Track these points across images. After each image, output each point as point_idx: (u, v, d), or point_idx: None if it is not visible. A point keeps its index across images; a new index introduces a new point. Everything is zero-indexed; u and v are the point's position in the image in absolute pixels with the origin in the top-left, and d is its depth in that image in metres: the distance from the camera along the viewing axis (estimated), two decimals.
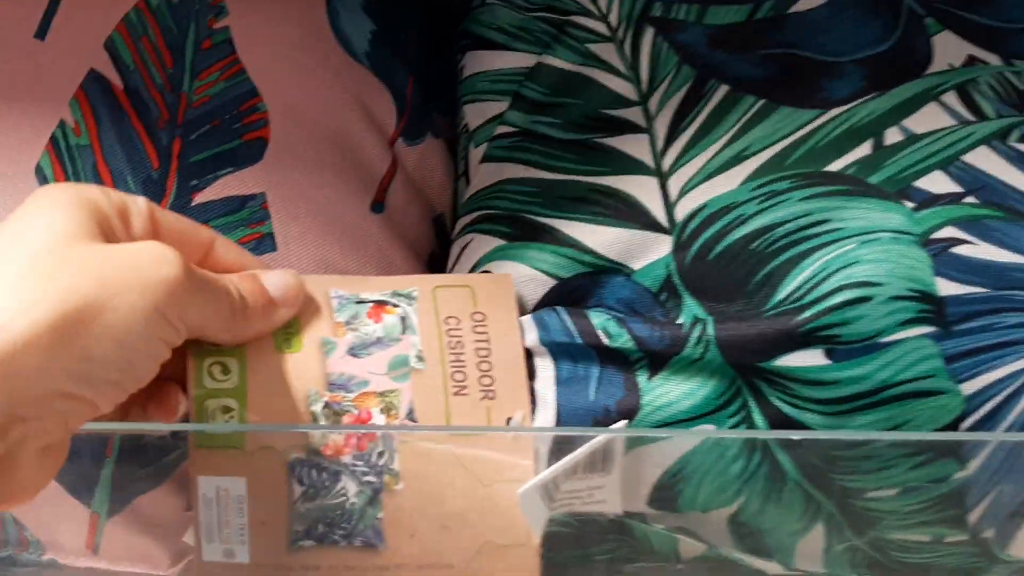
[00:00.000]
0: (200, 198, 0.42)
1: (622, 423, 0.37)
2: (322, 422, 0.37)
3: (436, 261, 0.51)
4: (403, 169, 0.50)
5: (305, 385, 0.37)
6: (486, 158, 0.46)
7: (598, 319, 0.38)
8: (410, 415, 0.38)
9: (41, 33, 0.43)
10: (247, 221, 0.42)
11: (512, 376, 0.38)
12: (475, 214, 0.45)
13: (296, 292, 0.37)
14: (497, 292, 0.40)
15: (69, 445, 0.32)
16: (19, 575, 0.46)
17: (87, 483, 0.42)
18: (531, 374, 0.39)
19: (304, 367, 0.38)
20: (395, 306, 0.39)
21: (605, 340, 0.38)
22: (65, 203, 0.31)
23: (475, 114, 0.48)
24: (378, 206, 0.47)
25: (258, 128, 0.44)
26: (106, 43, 0.43)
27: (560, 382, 0.38)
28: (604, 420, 0.37)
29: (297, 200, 0.43)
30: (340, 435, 0.37)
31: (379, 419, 0.38)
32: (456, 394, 0.38)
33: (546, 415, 0.38)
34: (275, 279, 0.37)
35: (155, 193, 0.42)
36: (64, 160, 0.42)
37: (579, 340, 0.38)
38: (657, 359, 0.37)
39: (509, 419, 0.38)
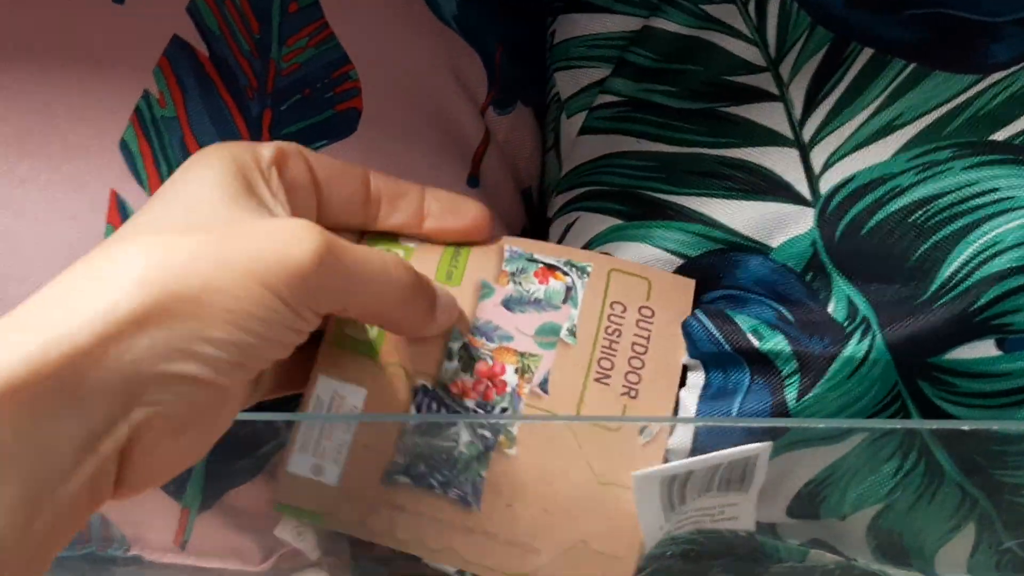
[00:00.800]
0: None
1: (767, 444, 0.34)
2: (456, 362, 0.36)
3: (528, 237, 0.48)
4: (495, 140, 0.46)
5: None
6: (585, 130, 0.43)
7: (747, 323, 0.35)
8: (543, 385, 0.36)
9: None
10: None
11: (662, 381, 0.36)
12: (580, 190, 0.42)
13: (454, 310, 0.35)
14: (674, 295, 0.37)
15: (216, 431, 0.30)
16: (102, 572, 0.44)
17: (179, 476, 0.39)
18: (682, 382, 0.36)
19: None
20: (565, 274, 0.37)
21: (756, 343, 0.35)
22: (214, 162, 0.31)
23: (568, 82, 0.44)
24: (473, 180, 0.44)
25: (351, 98, 0.41)
26: (189, 7, 0.40)
27: (706, 396, 0.35)
28: (746, 440, 0.34)
29: (394, 174, 0.40)
30: (469, 376, 0.36)
31: (512, 378, 0.36)
32: (597, 380, 0.35)
33: (685, 429, 0.35)
34: (442, 291, 0.34)
35: None
36: (150, 133, 0.38)
37: (726, 347, 0.35)
38: (815, 368, 0.34)
39: (645, 427, 0.35)
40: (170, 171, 0.37)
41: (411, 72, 0.43)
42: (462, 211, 0.37)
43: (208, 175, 0.30)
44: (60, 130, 0.38)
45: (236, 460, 0.40)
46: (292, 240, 0.28)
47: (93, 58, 0.39)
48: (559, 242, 0.43)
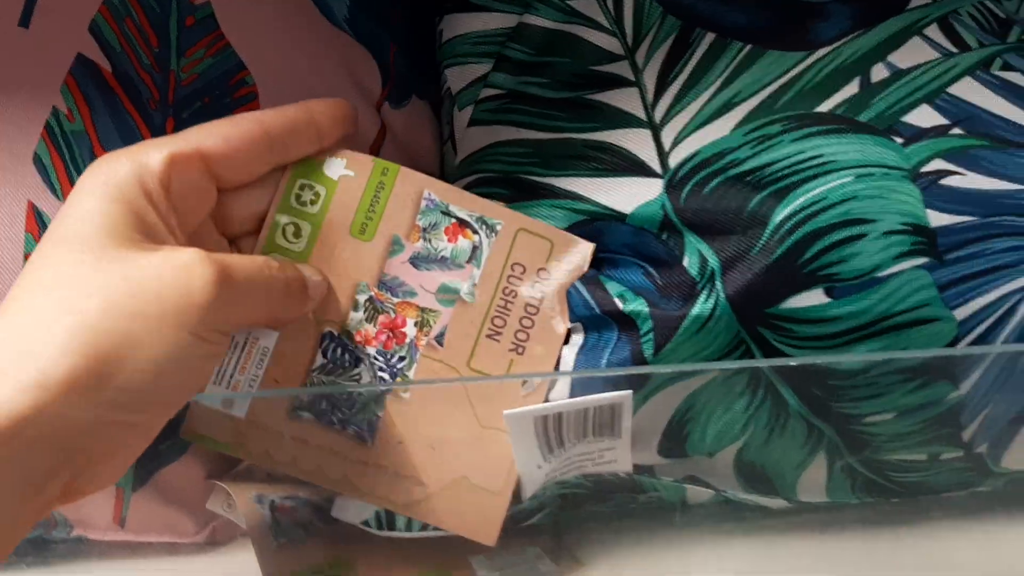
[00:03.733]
0: None
1: (628, 392, 0.38)
2: (361, 312, 0.40)
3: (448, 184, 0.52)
4: (392, 132, 0.50)
5: (360, 274, 0.40)
6: (473, 122, 0.47)
7: (614, 287, 0.39)
8: (439, 338, 0.40)
9: (25, 21, 0.43)
10: None
11: (547, 339, 0.40)
12: (470, 178, 0.46)
13: (322, 292, 0.39)
14: (572, 258, 0.41)
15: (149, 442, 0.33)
16: (51, 554, 0.47)
17: None
18: (567, 341, 0.40)
19: (366, 257, 0.40)
20: (474, 232, 0.41)
21: (621, 306, 0.39)
22: (97, 189, 0.33)
23: (457, 77, 0.48)
24: None
25: (248, 102, 0.45)
26: (91, 27, 0.43)
27: (582, 353, 0.39)
28: (611, 387, 0.39)
29: None
30: (372, 326, 0.40)
31: (411, 330, 0.40)
32: (489, 337, 0.39)
33: (564, 381, 0.39)
34: (311, 274, 0.38)
35: None
36: (61, 147, 0.42)
37: (597, 310, 0.39)
38: (668, 327, 0.38)
39: (526, 381, 0.39)
40: None
41: (305, 74, 0.47)
42: (340, 114, 0.41)
43: (91, 207, 0.33)
44: None
45: (164, 440, 0.43)
46: (190, 277, 0.31)
47: (3, 79, 0.42)
48: None
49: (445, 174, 0.52)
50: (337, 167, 0.41)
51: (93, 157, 0.42)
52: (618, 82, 0.43)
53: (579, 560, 0.44)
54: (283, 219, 0.40)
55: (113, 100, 0.43)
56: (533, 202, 0.43)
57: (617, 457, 0.40)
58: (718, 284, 0.38)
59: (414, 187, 0.41)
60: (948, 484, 0.43)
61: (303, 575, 0.42)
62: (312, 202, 0.40)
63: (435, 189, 0.41)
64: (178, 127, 0.43)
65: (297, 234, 0.40)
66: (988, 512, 0.45)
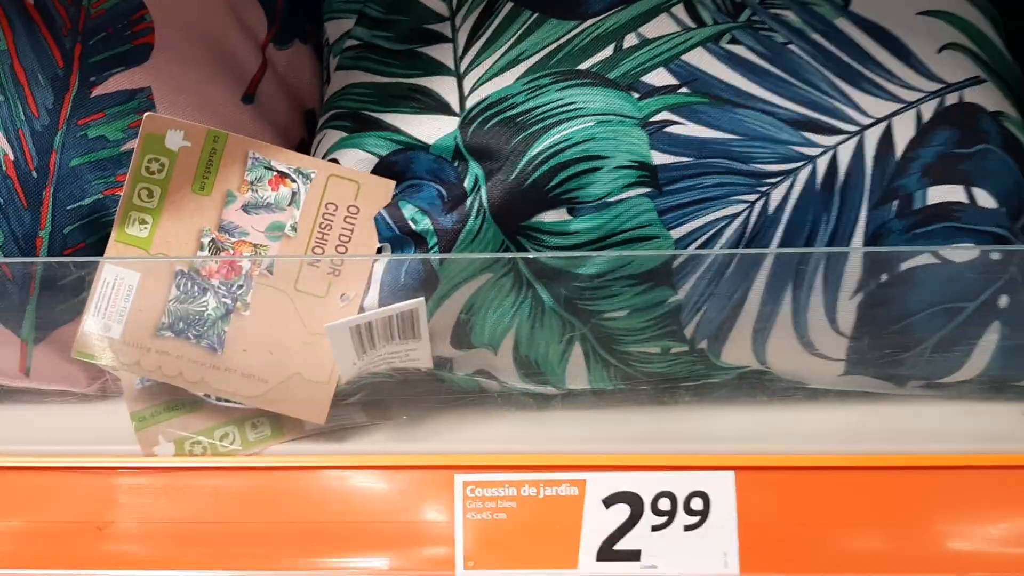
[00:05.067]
0: (97, 91, 0.53)
1: (420, 299, 0.49)
2: (206, 252, 0.51)
3: (304, 147, 0.62)
4: (273, 68, 0.60)
5: (203, 222, 0.51)
6: (339, 67, 0.57)
7: (408, 211, 0.50)
8: (269, 268, 0.50)
9: None
10: (136, 110, 0.53)
11: (359, 263, 0.50)
12: (329, 113, 0.56)
13: None
14: (377, 194, 0.51)
15: None
16: None
17: (17, 315, 0.53)
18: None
19: (207, 208, 0.51)
20: (293, 181, 0.51)
21: (413, 226, 0.49)
22: None
23: (333, 29, 0.58)
24: (248, 98, 0.58)
25: (145, 35, 0.55)
26: None
27: (388, 268, 0.50)
28: (412, 295, 0.49)
29: (178, 93, 0.54)
30: (215, 263, 0.50)
31: (246, 264, 0.50)
32: (310, 264, 0.50)
33: (373, 292, 0.50)
34: None
35: (61, 87, 0.52)
36: None
37: (397, 231, 0.50)
38: (448, 240, 0.49)
39: (343, 294, 0.50)
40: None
41: (196, 13, 0.57)
42: None
43: None
44: None
45: (61, 303, 0.54)
46: None
47: None
48: (314, 153, 0.57)
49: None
50: (176, 139, 0.51)
51: (12, 72, 0.52)
52: (439, 38, 0.53)
53: (388, 416, 0.55)
54: (138, 187, 0.50)
55: (31, 26, 0.53)
56: (366, 133, 0.53)
57: (420, 356, 0.51)
58: (484, 200, 0.48)
59: (241, 149, 0.51)
60: (685, 374, 0.54)
61: (159, 410, 0.53)
62: (159, 171, 0.50)
63: (258, 149, 0.52)
64: (84, 51, 0.54)
65: (150, 196, 0.50)
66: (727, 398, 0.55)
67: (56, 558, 0.49)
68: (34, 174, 0.51)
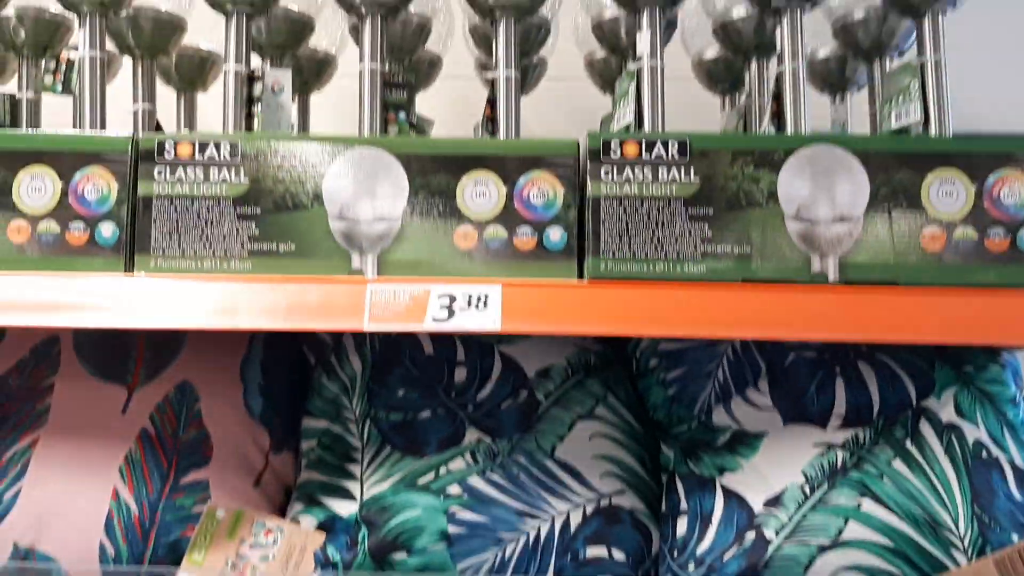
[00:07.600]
0: (183, 481, 1.06)
1: None
2: (229, 569, 1.01)
3: (283, 510, 1.14)
4: (271, 467, 1.14)
5: (228, 554, 1.01)
6: (305, 467, 1.10)
7: (330, 549, 1.02)
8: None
9: None
10: (200, 492, 1.05)
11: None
12: (296, 493, 1.09)
13: None
14: (317, 540, 1.03)
15: None
16: None
17: None
18: None
19: (231, 547, 1.01)
20: (275, 532, 1.02)
21: (332, 557, 1.01)
22: None
23: (305, 445, 1.12)
24: (256, 484, 1.11)
25: (208, 450, 1.08)
26: None
27: None
28: None
29: (221, 483, 1.07)
30: None
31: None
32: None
33: None
34: None
35: (163, 477, 1.06)
36: None
37: (322, 560, 1.02)
38: (347, 564, 1.01)
39: None
40: None
41: (233, 438, 1.11)
42: None
43: None
44: None
45: None
46: None
47: None
48: (288, 516, 1.09)
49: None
50: (220, 513, 1.03)
51: (142, 470, 1.06)
52: (354, 460, 1.07)
53: None
54: (198, 534, 1.02)
55: (153, 445, 1.07)
56: (314, 507, 1.05)
57: None
58: (366, 546, 1.00)
59: (250, 517, 1.03)
60: None
61: None
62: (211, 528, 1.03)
63: (259, 516, 1.03)
64: (178, 460, 1.07)
65: (206, 538, 1.02)
66: None
67: None
68: (146, 523, 1.02)
